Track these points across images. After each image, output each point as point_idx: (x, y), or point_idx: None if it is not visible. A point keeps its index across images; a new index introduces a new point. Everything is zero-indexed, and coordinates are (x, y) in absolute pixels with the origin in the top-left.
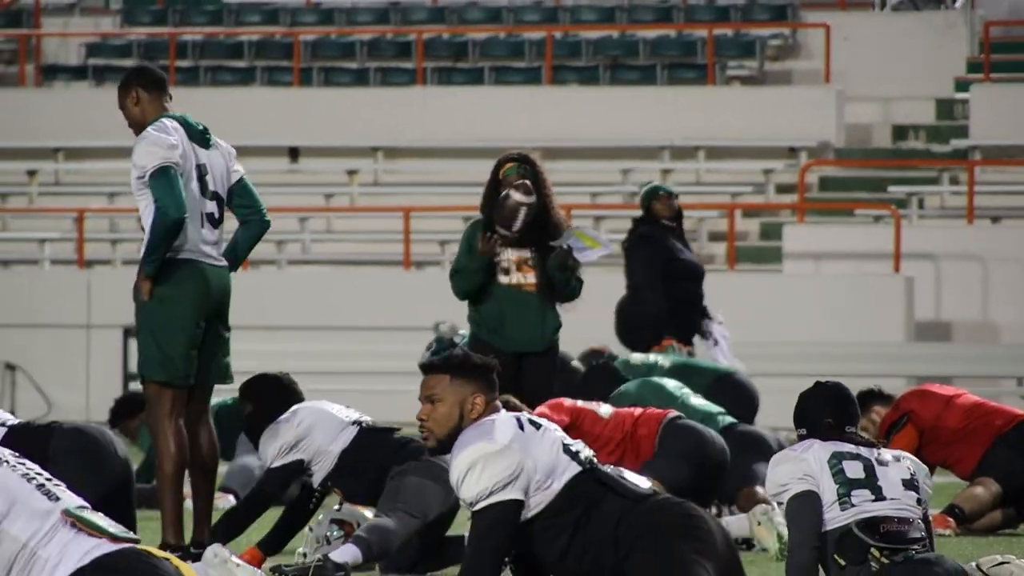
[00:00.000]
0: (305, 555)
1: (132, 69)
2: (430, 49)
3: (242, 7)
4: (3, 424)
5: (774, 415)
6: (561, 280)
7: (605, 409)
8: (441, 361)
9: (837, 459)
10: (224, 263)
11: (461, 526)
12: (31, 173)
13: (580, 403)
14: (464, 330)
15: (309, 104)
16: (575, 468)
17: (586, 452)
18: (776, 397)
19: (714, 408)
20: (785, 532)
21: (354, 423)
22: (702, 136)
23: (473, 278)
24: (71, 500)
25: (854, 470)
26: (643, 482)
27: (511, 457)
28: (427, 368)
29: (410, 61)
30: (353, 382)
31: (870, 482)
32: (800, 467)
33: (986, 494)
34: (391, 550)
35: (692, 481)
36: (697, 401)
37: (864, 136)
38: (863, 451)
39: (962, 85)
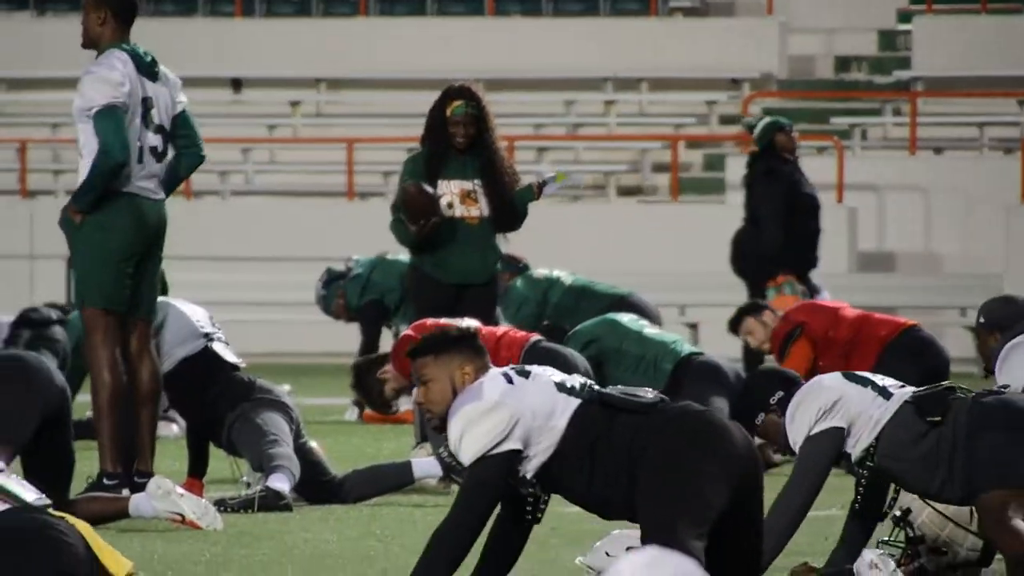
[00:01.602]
0: (248, 483)
1: None
2: None
3: None
4: None
5: (715, 344)
6: (522, 213)
7: (468, 324)
8: (421, 344)
9: (847, 375)
10: (162, 196)
11: (401, 454)
12: None
13: (443, 321)
14: (358, 256)
15: (251, 34)
16: (574, 402)
17: (581, 382)
18: (718, 327)
19: (669, 338)
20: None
21: (204, 336)
22: (645, 67)
23: (408, 240)
24: None
25: (867, 374)
26: (648, 393)
27: (502, 412)
28: (412, 354)
29: None
30: (295, 312)
31: (884, 379)
32: (823, 400)
33: None
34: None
35: None
36: (653, 332)
37: (807, 68)
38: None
39: (905, 16)
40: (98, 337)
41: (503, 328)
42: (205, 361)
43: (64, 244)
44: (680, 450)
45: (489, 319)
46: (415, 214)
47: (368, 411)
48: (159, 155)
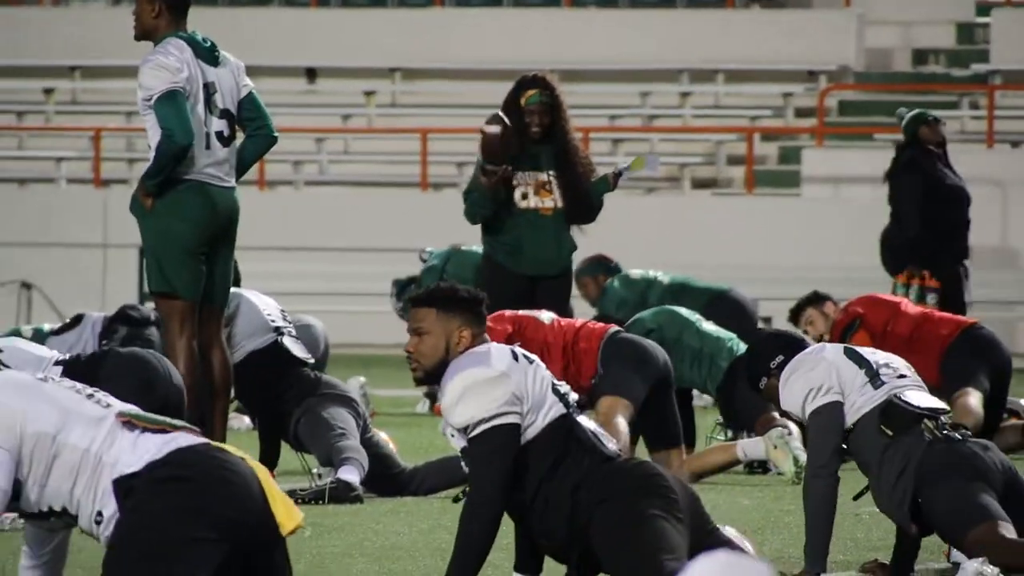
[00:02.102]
0: (320, 475)
1: None
2: None
3: None
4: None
5: None
6: (597, 204)
7: (546, 315)
8: (427, 294)
9: (848, 351)
10: (231, 183)
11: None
12: (48, 91)
13: (521, 312)
14: (431, 248)
15: (327, 24)
16: (560, 409)
17: (573, 396)
18: None
19: (726, 335)
20: (802, 456)
21: (275, 330)
22: (721, 59)
23: (484, 206)
24: (122, 405)
25: (869, 354)
26: (611, 443)
27: (508, 383)
28: (415, 301)
29: None
30: (368, 303)
31: (888, 363)
32: (818, 373)
33: (976, 402)
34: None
35: (644, 393)
36: (710, 328)
37: (884, 60)
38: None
39: (983, 9)
40: (175, 326)
41: (581, 319)
42: (274, 355)
43: (137, 234)
44: (634, 501)
45: (563, 311)
46: (492, 155)
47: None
48: (225, 140)
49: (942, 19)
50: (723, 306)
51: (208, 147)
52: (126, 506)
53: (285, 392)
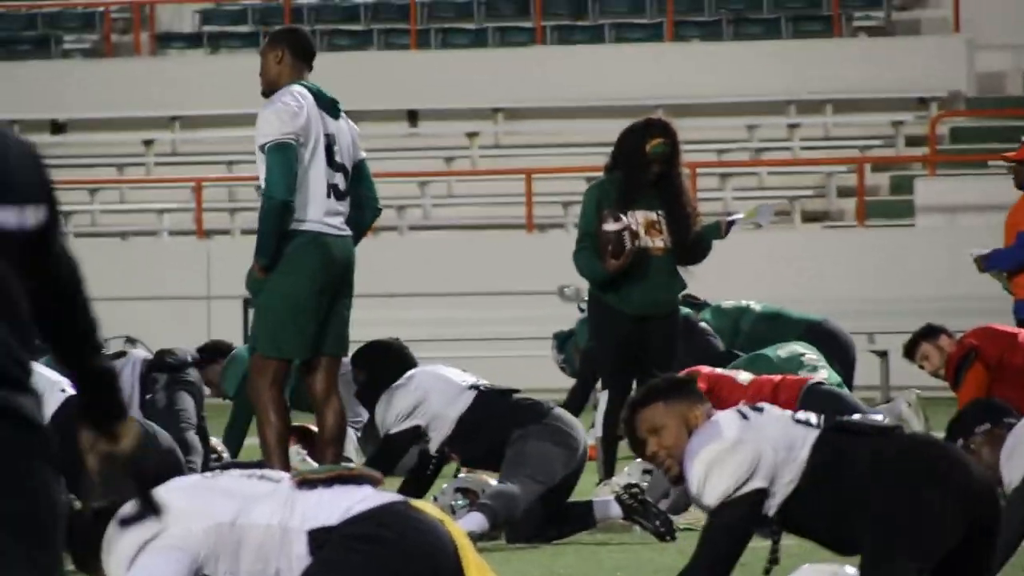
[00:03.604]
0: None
1: (287, 28)
2: (549, 7)
3: None
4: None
5: (905, 373)
6: (707, 247)
7: (744, 376)
8: (647, 393)
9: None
10: (348, 232)
11: (584, 492)
12: (147, 143)
13: (719, 370)
14: (571, 284)
15: (427, 66)
16: (814, 433)
17: (816, 416)
18: None
19: (836, 378)
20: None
21: (471, 387)
22: (829, 89)
23: (604, 278)
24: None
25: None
26: (883, 418)
27: (744, 449)
28: (637, 405)
29: (528, 20)
30: (477, 349)
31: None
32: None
33: None
34: (516, 516)
35: None
36: (825, 372)
37: (996, 85)
38: None
39: None
40: (263, 381)
41: (778, 376)
42: (488, 404)
43: (241, 285)
44: (918, 480)
45: (672, 352)
46: (616, 251)
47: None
48: (341, 194)
49: None
50: (817, 337)
51: (328, 196)
52: (319, 557)
53: (508, 428)
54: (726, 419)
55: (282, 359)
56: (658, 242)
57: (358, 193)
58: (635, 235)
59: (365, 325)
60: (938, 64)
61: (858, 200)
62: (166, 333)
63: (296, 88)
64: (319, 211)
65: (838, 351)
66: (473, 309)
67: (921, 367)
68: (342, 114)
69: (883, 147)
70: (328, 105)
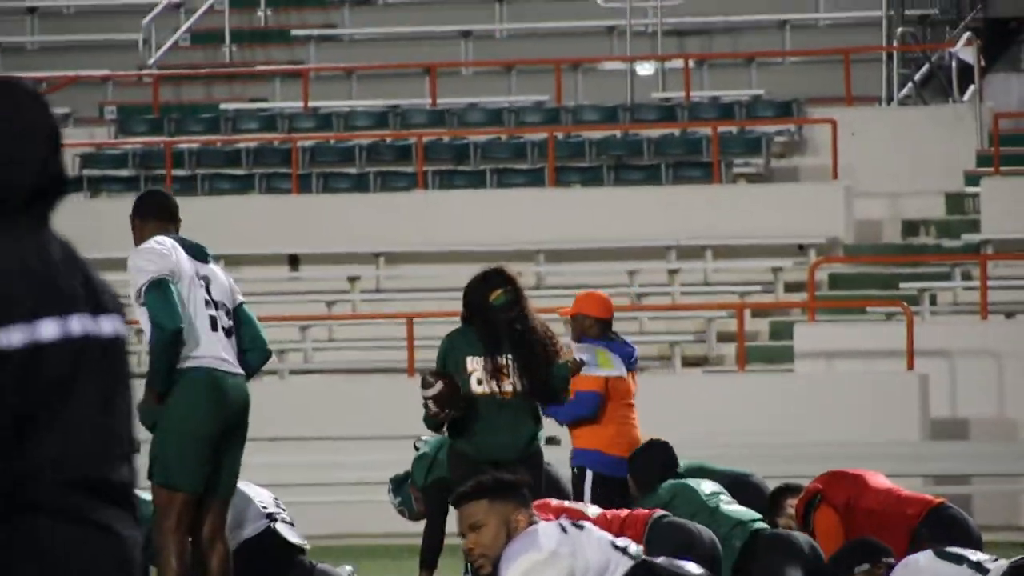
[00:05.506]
0: None
1: (144, 194)
2: (430, 152)
3: (238, 114)
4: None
5: None
6: (559, 387)
7: (593, 510)
8: (475, 487)
9: (941, 553)
10: (241, 372)
11: None
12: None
13: (567, 503)
14: (426, 437)
15: (308, 211)
16: (627, 562)
17: (634, 548)
18: None
19: (747, 515)
20: None
21: (267, 516)
22: (709, 235)
23: (434, 426)
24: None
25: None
26: (695, 568)
27: (561, 562)
28: (463, 497)
29: (410, 165)
30: (357, 493)
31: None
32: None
33: None
34: None
35: None
36: (730, 508)
37: (874, 232)
38: None
39: (972, 179)
40: (170, 522)
41: (625, 511)
42: (268, 542)
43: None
44: None
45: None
46: (443, 403)
47: None
48: (227, 332)
49: (931, 190)
50: (742, 488)
51: (215, 329)
52: None
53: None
54: (546, 530)
55: (182, 491)
56: (506, 386)
57: (244, 336)
58: (454, 389)
59: (247, 469)
60: (817, 211)
61: (738, 345)
62: None
63: (159, 237)
64: (210, 347)
65: (759, 504)
66: (354, 453)
67: (788, 527)
68: (211, 259)
69: (763, 292)
70: (195, 251)
